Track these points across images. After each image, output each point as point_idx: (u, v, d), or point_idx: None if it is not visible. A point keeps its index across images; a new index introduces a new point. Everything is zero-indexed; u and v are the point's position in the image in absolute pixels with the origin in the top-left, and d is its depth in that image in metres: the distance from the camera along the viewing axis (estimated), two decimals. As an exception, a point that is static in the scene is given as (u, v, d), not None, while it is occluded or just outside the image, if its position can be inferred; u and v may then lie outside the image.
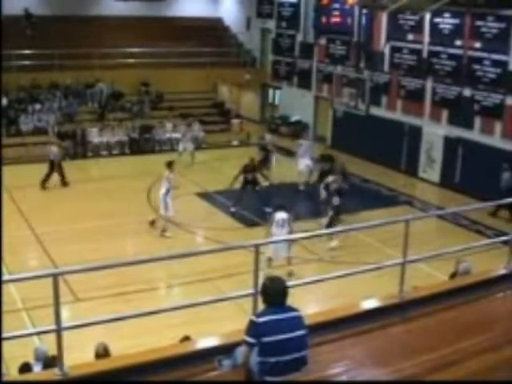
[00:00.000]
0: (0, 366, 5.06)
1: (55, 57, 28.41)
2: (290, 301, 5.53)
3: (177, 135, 28.08)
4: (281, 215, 15.29)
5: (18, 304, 13.33)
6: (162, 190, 17.96)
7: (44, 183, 21.94)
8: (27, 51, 28.20)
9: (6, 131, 26.10)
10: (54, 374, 5.51)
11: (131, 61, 30.50)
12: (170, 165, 18.10)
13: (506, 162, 20.41)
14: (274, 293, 5.39)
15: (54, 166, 22.26)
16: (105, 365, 5.94)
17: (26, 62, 28.21)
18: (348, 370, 5.81)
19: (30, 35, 29.42)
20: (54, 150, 22.72)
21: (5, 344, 5.43)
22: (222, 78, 32.25)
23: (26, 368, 8.67)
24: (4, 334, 5.31)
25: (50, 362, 8.60)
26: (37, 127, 26.91)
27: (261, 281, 5.66)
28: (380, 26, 25.87)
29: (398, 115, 25.58)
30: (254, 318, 5.28)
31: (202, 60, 31.70)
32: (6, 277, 10.37)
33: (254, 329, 5.22)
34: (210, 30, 34.58)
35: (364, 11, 25.99)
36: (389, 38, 25.62)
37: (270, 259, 14.96)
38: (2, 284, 5.51)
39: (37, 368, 8.76)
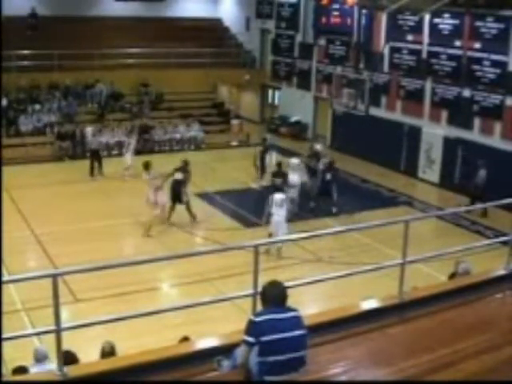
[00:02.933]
0: (0, 367, 5.05)
1: (55, 57, 28.41)
2: (289, 301, 5.54)
3: (177, 136, 28.16)
4: (279, 196, 17.00)
5: (18, 305, 13.33)
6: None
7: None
8: (27, 51, 28.21)
9: (5, 132, 26.10)
10: (53, 374, 5.51)
11: (131, 61, 30.52)
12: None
13: (482, 158, 20.71)
14: (273, 296, 5.40)
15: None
16: (104, 365, 5.94)
17: (26, 63, 28.22)
18: (347, 370, 5.82)
19: (29, 35, 29.40)
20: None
21: (4, 345, 5.43)
22: (221, 78, 32.25)
23: (20, 371, 8.63)
24: (4, 335, 5.31)
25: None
26: (36, 128, 26.92)
27: (261, 281, 5.67)
28: (379, 27, 25.88)
29: (397, 116, 25.59)
30: (252, 317, 5.30)
31: (202, 60, 31.71)
32: (5, 277, 10.37)
33: (252, 328, 5.23)
34: (210, 31, 34.61)
35: (363, 12, 26.02)
36: (388, 39, 25.63)
37: (270, 235, 16.51)
38: (1, 284, 5.50)
39: (35, 369, 8.73)
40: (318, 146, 23.36)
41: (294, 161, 20.79)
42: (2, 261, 12.55)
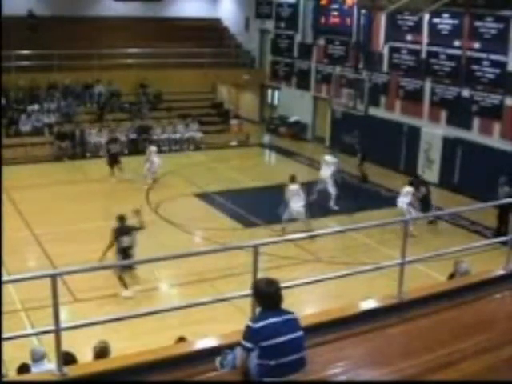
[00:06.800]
0: (0, 367, 5.05)
1: (54, 57, 28.38)
2: (289, 301, 5.53)
3: (176, 136, 28.18)
4: (294, 186, 17.92)
5: (17, 305, 13.33)
6: None
7: None
8: (26, 51, 28.18)
9: (5, 132, 26.08)
10: (53, 374, 5.51)
11: (130, 61, 30.50)
12: None
13: (505, 174, 19.37)
14: (269, 296, 5.39)
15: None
16: (103, 365, 5.94)
17: (25, 63, 28.18)
18: (347, 370, 5.82)
19: (28, 36, 29.36)
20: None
21: (4, 345, 5.43)
22: (220, 78, 32.25)
23: (24, 369, 8.67)
24: (3, 335, 5.31)
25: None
26: (36, 128, 26.91)
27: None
28: (379, 27, 25.89)
29: (396, 116, 25.58)
30: (250, 323, 5.27)
31: (201, 60, 31.67)
32: (5, 277, 10.36)
33: (251, 334, 5.23)
34: (209, 31, 34.57)
35: (363, 12, 26.05)
36: (387, 39, 25.64)
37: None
38: (1, 284, 5.49)
39: (35, 369, 8.76)
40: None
41: (328, 157, 21.52)
42: (1, 261, 12.53)
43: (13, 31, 27.01)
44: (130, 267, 13.57)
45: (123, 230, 14.19)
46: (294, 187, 18.03)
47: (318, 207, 20.33)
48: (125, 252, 13.98)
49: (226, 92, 33.48)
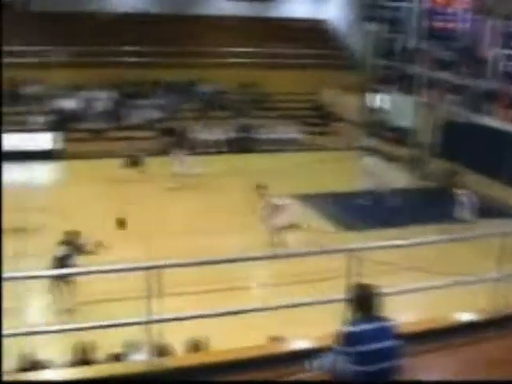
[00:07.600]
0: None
1: (163, 54, 29.14)
2: (387, 308, 5.47)
3: (277, 136, 28.30)
4: None
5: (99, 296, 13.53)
6: None
7: None
8: (134, 48, 29.03)
9: (116, 124, 27.26)
10: (149, 364, 5.66)
11: (235, 60, 30.88)
12: None
13: None
14: (364, 301, 5.35)
15: None
16: (197, 359, 6.06)
17: (134, 59, 29.04)
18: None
19: (141, 33, 30.23)
20: None
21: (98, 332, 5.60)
22: (324, 80, 32.14)
23: (116, 358, 8.95)
24: (97, 323, 5.48)
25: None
26: (143, 121, 27.79)
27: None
28: (488, 32, 25.25)
29: (503, 124, 24.78)
30: (345, 327, 5.26)
31: (306, 61, 31.75)
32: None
33: (345, 338, 5.20)
34: (315, 32, 34.56)
35: (472, 16, 25.49)
36: (497, 45, 24.96)
37: None
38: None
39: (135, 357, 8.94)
40: None
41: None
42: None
43: (126, 28, 27.94)
44: None
45: None
46: None
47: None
48: None
49: (330, 94, 33.34)
